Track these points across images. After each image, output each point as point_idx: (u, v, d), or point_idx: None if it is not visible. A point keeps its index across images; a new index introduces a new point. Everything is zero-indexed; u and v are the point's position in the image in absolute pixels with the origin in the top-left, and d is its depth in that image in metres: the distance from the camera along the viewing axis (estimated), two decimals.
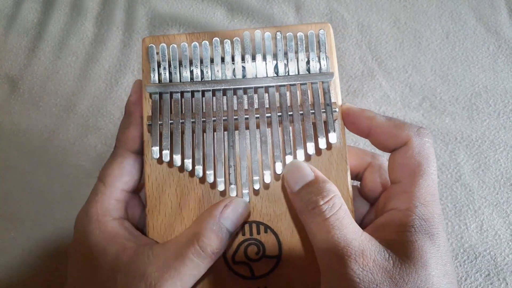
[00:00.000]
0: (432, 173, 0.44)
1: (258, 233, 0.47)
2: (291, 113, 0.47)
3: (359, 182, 0.54)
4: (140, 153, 0.49)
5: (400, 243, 0.41)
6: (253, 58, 0.48)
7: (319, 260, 0.42)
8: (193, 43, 0.48)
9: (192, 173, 0.47)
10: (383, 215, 0.45)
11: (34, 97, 0.79)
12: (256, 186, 0.46)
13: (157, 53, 0.48)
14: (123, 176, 0.48)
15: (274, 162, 0.46)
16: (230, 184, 0.46)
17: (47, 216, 0.69)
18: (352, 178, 0.49)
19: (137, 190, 0.51)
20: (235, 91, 0.48)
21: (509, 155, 0.71)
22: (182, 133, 0.47)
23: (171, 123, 0.47)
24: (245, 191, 0.46)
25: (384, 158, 0.53)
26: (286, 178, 0.45)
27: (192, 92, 0.48)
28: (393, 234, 0.42)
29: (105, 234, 0.46)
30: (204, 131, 0.47)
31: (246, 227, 0.47)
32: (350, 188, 0.47)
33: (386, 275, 0.39)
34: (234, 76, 0.48)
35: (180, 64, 0.48)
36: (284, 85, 0.48)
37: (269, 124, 0.47)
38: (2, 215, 0.70)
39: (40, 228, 0.68)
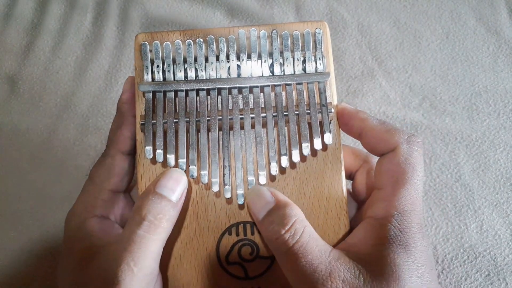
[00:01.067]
0: (416, 182, 0.44)
1: (252, 233, 0.47)
2: (287, 113, 0.47)
3: (351, 182, 0.54)
4: (131, 154, 0.49)
5: (373, 258, 0.41)
6: (249, 57, 0.48)
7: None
8: (187, 40, 0.48)
9: (186, 173, 0.47)
10: (361, 224, 0.45)
11: (34, 97, 0.79)
12: (251, 187, 0.46)
13: (150, 51, 0.48)
14: (112, 177, 0.48)
15: (269, 163, 0.46)
16: (225, 185, 0.46)
17: (47, 216, 0.69)
18: (346, 177, 0.48)
19: (128, 190, 0.51)
20: (230, 90, 0.48)
21: (509, 155, 0.71)
22: (176, 132, 0.47)
23: (164, 123, 0.47)
24: (240, 191, 0.46)
25: (376, 159, 0.53)
26: (249, 207, 0.45)
27: (186, 91, 0.48)
28: (367, 248, 0.42)
29: (80, 230, 0.46)
30: (198, 131, 0.47)
31: (240, 227, 0.47)
32: (345, 190, 0.47)
33: None
34: (229, 75, 0.48)
35: (174, 62, 0.48)
36: (279, 85, 0.48)
37: (264, 124, 0.47)
38: (2, 215, 0.70)
39: (40, 228, 0.68)
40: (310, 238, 0.41)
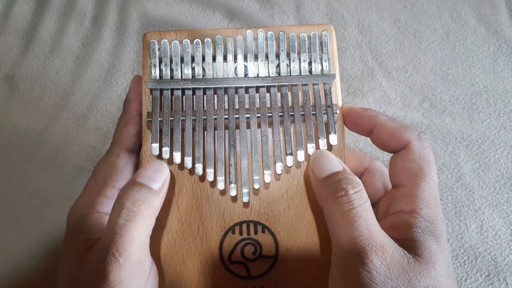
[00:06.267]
0: (433, 176, 0.45)
1: (256, 233, 0.47)
2: (292, 113, 0.47)
3: None
4: (135, 152, 0.49)
5: (411, 243, 0.42)
6: (256, 58, 0.49)
7: (335, 249, 0.42)
8: (196, 40, 0.48)
9: (191, 171, 0.47)
10: (389, 217, 0.46)
11: (34, 97, 0.79)
12: (256, 186, 0.46)
13: (159, 49, 0.48)
14: (115, 174, 0.48)
15: (275, 162, 0.46)
16: (230, 183, 0.46)
17: (46, 216, 0.69)
18: None
19: None
20: (236, 89, 0.48)
21: (510, 155, 0.71)
22: (183, 130, 0.47)
23: (171, 120, 0.47)
24: (245, 190, 0.46)
25: (380, 162, 0.54)
26: (312, 165, 0.46)
27: (194, 90, 0.48)
28: (402, 234, 0.43)
29: (80, 225, 0.46)
30: (204, 129, 0.47)
31: (244, 226, 0.47)
32: None
33: (401, 271, 0.39)
34: (236, 75, 0.48)
35: (182, 61, 0.48)
36: (285, 85, 0.48)
37: (270, 124, 0.47)
38: (2, 215, 0.69)
39: (40, 228, 0.68)
40: (371, 209, 0.42)
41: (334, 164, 0.45)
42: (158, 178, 0.44)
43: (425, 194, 0.44)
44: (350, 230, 0.41)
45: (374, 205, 0.50)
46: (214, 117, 0.47)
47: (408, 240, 0.42)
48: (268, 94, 0.48)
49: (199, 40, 0.48)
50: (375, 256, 0.39)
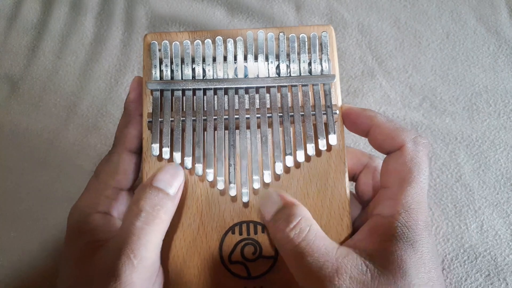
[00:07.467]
0: (421, 181, 0.44)
1: (255, 233, 0.47)
2: (292, 113, 0.47)
3: (354, 183, 0.54)
4: (137, 152, 0.49)
5: (380, 254, 0.41)
6: (256, 58, 0.49)
7: (300, 285, 0.42)
8: (196, 41, 0.48)
9: (191, 171, 0.47)
10: (367, 222, 0.45)
11: (34, 97, 0.79)
12: (256, 186, 0.46)
13: (159, 50, 0.49)
14: (117, 175, 0.48)
15: (274, 162, 0.46)
16: (230, 183, 0.46)
17: (47, 216, 0.69)
18: (349, 179, 0.49)
19: (133, 188, 0.52)
20: (236, 90, 0.48)
21: (510, 155, 0.71)
22: (183, 131, 0.47)
23: (171, 121, 0.47)
24: (245, 190, 0.46)
25: (380, 160, 0.53)
26: (260, 209, 0.45)
27: (194, 90, 0.48)
28: (374, 244, 0.42)
29: (83, 225, 0.46)
30: (205, 129, 0.48)
31: (244, 226, 0.47)
32: (348, 191, 0.48)
33: None
34: (236, 75, 0.49)
35: (182, 61, 0.49)
36: (285, 86, 0.48)
37: (270, 124, 0.48)
38: (2, 215, 0.69)
39: (40, 228, 0.68)
40: (316, 237, 0.42)
41: (274, 201, 0.44)
42: (174, 183, 0.45)
43: (407, 199, 0.43)
44: (301, 268, 0.41)
45: (368, 203, 0.50)
46: (214, 117, 0.47)
47: (379, 251, 0.41)
48: (268, 95, 0.49)
49: (200, 41, 0.48)
50: (330, 285, 0.39)
